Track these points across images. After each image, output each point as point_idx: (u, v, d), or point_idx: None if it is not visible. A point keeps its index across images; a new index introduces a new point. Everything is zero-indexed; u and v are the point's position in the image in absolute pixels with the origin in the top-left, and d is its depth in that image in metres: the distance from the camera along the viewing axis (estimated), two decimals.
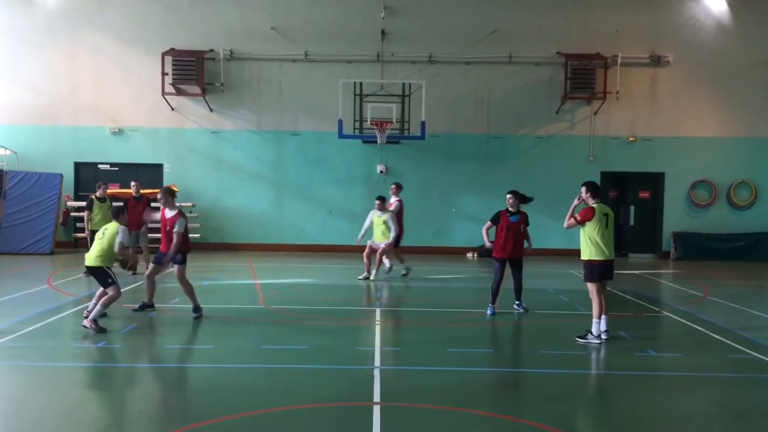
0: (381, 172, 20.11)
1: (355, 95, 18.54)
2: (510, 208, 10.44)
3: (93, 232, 13.79)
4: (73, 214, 19.54)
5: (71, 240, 19.82)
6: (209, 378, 7.07)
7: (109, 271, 8.99)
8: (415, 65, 19.97)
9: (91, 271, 9.10)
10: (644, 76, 20.22)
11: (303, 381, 6.96)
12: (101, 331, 8.63)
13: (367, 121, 18.14)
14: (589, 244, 8.58)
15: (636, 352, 8.37)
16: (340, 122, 18.11)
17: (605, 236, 8.58)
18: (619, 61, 19.83)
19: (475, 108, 20.25)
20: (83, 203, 19.07)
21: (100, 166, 20.20)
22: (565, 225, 8.74)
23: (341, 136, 18.31)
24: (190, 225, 19.28)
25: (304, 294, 12.44)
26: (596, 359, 8.14)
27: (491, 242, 10.57)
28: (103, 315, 9.08)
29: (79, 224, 19.65)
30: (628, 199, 20.88)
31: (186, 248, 9.96)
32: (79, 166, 20.19)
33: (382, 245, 14.08)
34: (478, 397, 6.57)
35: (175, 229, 9.64)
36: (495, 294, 10.45)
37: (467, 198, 20.42)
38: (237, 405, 6.16)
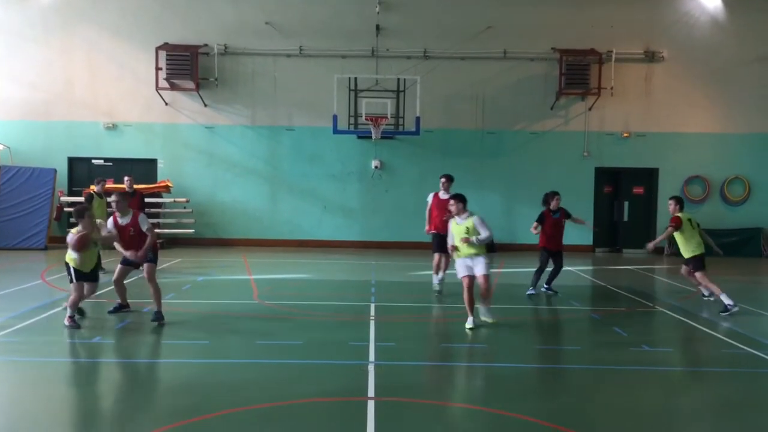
0: (376, 167, 20.12)
1: (349, 90, 18.52)
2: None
3: None
4: (66, 209, 19.46)
5: (65, 235, 19.69)
6: (204, 373, 7.07)
7: (70, 270, 8.87)
8: (410, 60, 19.96)
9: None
10: (639, 72, 20.27)
11: (297, 376, 6.97)
12: (75, 327, 8.68)
13: (361, 116, 18.13)
14: (690, 243, 11.18)
15: (630, 347, 8.40)
16: (335, 117, 18.09)
17: (696, 236, 11.24)
18: (614, 57, 19.87)
19: (469, 103, 20.26)
20: (77, 198, 19.10)
21: (93, 161, 20.15)
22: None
23: (336, 131, 18.30)
24: (185, 220, 19.49)
25: (298, 289, 12.43)
26: (590, 354, 8.17)
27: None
28: (81, 313, 9.16)
29: (73, 220, 19.59)
30: (622, 195, 20.93)
31: (156, 247, 9.66)
32: (72, 162, 20.13)
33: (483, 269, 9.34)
34: (473, 392, 6.58)
35: (145, 228, 9.26)
36: (537, 279, 11.94)
37: (462, 193, 20.36)
38: (232, 400, 6.16)
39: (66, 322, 8.71)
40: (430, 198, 11.83)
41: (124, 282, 9.73)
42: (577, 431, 5.47)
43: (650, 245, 12.07)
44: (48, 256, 16.70)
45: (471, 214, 9.23)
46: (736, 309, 10.40)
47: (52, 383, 6.65)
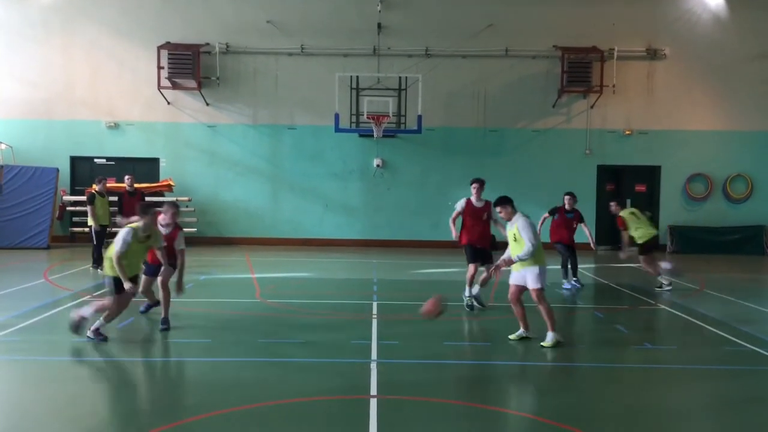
0: (377, 166, 20.11)
1: (351, 89, 18.51)
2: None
3: (101, 227, 13.90)
4: (69, 208, 19.50)
5: (67, 234, 19.78)
6: (206, 372, 7.08)
7: (113, 282, 8.03)
8: (411, 59, 19.93)
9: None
10: (641, 70, 20.23)
11: (300, 374, 6.98)
12: (103, 339, 7.97)
13: (363, 114, 18.11)
14: (637, 233, 12.38)
15: (632, 345, 8.40)
16: (337, 116, 18.09)
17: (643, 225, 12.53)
18: (616, 54, 19.83)
19: (471, 101, 20.24)
20: (79, 197, 19.12)
21: (96, 160, 20.16)
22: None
23: (338, 129, 18.29)
24: (187, 219, 19.50)
25: (300, 288, 12.44)
26: (593, 352, 8.16)
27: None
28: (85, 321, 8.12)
29: (75, 219, 19.65)
30: (624, 193, 20.86)
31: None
32: (74, 161, 20.14)
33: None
34: (475, 390, 6.58)
35: (180, 247, 8.90)
36: (566, 272, 12.60)
37: (464, 192, 20.08)
38: (234, 398, 6.17)
39: (91, 334, 7.94)
40: (460, 205, 10.31)
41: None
42: (580, 429, 5.47)
43: (623, 255, 12.87)
44: (50, 256, 16.72)
45: (517, 215, 8.15)
46: (668, 288, 12.16)
47: (54, 382, 6.66)
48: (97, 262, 13.70)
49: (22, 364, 7.27)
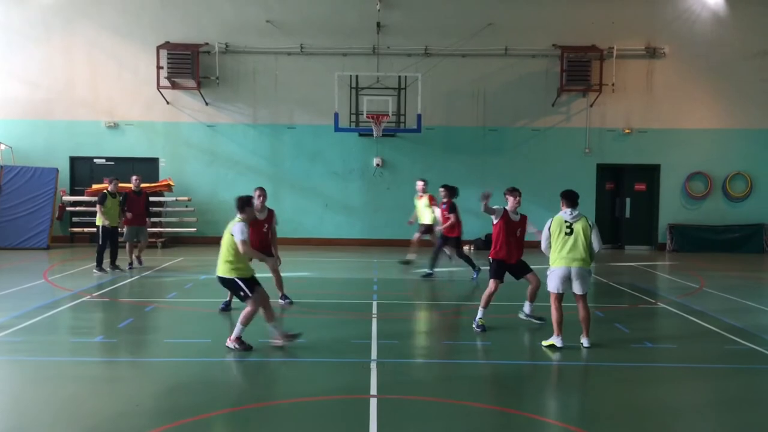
0: (377, 165, 20.12)
1: (351, 88, 18.51)
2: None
3: (109, 228, 13.74)
4: (69, 208, 19.51)
5: (67, 234, 19.78)
6: (207, 372, 7.08)
7: (240, 283, 7.78)
8: (411, 58, 19.94)
9: (221, 281, 7.99)
10: (640, 68, 20.23)
11: (300, 374, 6.98)
12: (247, 349, 7.71)
13: (363, 114, 18.11)
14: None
15: (632, 343, 8.41)
16: (336, 115, 18.09)
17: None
18: (615, 53, 19.84)
19: (471, 100, 20.24)
20: (79, 198, 19.15)
21: (95, 160, 20.16)
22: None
23: (337, 129, 18.29)
24: (187, 219, 19.51)
25: (300, 287, 12.43)
26: (592, 351, 8.16)
27: None
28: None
29: (75, 219, 19.65)
30: (624, 191, 20.91)
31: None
32: (74, 161, 20.14)
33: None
34: (475, 390, 6.59)
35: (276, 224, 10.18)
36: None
37: (463, 191, 20.19)
38: (234, 398, 6.18)
39: (232, 344, 7.70)
40: (497, 219, 9.13)
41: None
42: (580, 428, 5.48)
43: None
44: (50, 256, 16.73)
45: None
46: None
47: (54, 382, 6.66)
48: (100, 263, 13.74)
49: (22, 365, 7.28)
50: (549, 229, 7.94)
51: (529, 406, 6.07)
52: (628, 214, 20.86)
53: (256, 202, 9.27)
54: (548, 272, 8.00)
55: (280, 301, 10.46)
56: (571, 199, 7.94)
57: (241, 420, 5.65)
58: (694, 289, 12.79)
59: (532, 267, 9.22)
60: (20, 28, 19.75)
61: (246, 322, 7.74)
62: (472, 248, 19.81)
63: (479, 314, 8.92)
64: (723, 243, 19.91)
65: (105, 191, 14.05)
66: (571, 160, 20.16)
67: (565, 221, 7.85)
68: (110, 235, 13.81)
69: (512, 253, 8.93)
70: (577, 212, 7.89)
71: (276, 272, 10.23)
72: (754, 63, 20.05)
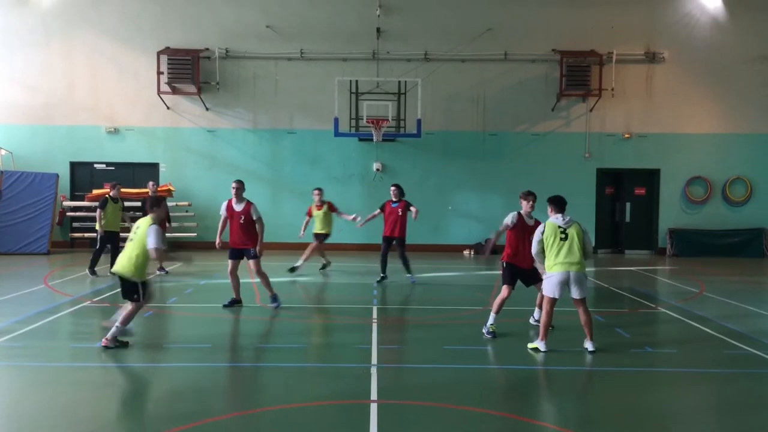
0: (377, 170, 20.13)
1: (350, 93, 18.54)
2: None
3: (107, 233, 13.70)
4: (69, 213, 19.52)
5: (67, 240, 19.78)
6: (206, 377, 7.07)
7: (140, 286, 7.88)
8: (410, 63, 19.98)
9: (121, 279, 8.01)
10: (639, 73, 20.27)
11: (300, 379, 6.97)
12: (122, 346, 7.92)
13: (363, 119, 18.15)
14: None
15: (632, 348, 8.40)
16: (336, 120, 18.12)
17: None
18: (615, 58, 19.88)
19: (470, 105, 20.28)
20: (79, 203, 19.17)
21: (95, 165, 20.18)
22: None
23: (337, 134, 18.32)
24: (187, 224, 19.50)
25: (301, 292, 12.44)
26: (593, 356, 8.15)
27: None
28: (124, 333, 8.00)
29: (75, 224, 19.66)
30: (624, 196, 20.93)
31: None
32: (74, 166, 20.16)
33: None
34: (475, 395, 6.58)
35: (255, 217, 10.22)
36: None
37: (463, 195, 20.46)
38: (234, 404, 6.17)
39: (111, 343, 7.84)
40: (510, 220, 8.91)
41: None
42: None
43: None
44: (51, 261, 16.73)
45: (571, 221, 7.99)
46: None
47: (54, 388, 6.65)
48: (93, 266, 13.75)
49: (22, 370, 7.27)
50: (542, 234, 7.95)
51: (529, 411, 6.06)
52: (628, 218, 20.88)
53: (232, 192, 10.28)
54: (545, 277, 8.00)
55: (270, 304, 10.42)
56: (559, 204, 8.00)
57: (241, 425, 5.64)
58: (695, 293, 12.78)
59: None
60: (20, 32, 19.79)
61: (126, 323, 7.90)
62: (471, 253, 19.84)
63: (491, 320, 8.83)
64: (723, 247, 19.91)
65: (107, 196, 14.04)
66: (570, 164, 20.17)
67: (559, 227, 7.87)
68: (109, 240, 13.79)
69: (526, 257, 8.75)
70: (568, 217, 7.94)
71: (261, 275, 10.42)
72: (754, 67, 20.09)
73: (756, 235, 20.08)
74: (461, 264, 17.73)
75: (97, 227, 13.76)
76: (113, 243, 13.85)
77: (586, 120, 20.36)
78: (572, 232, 7.84)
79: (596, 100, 20.01)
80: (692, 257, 19.35)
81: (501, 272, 9.02)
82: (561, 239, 7.81)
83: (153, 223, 7.81)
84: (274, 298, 10.49)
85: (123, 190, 18.77)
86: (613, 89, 19.97)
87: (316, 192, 14.82)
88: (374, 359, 7.62)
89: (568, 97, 20.17)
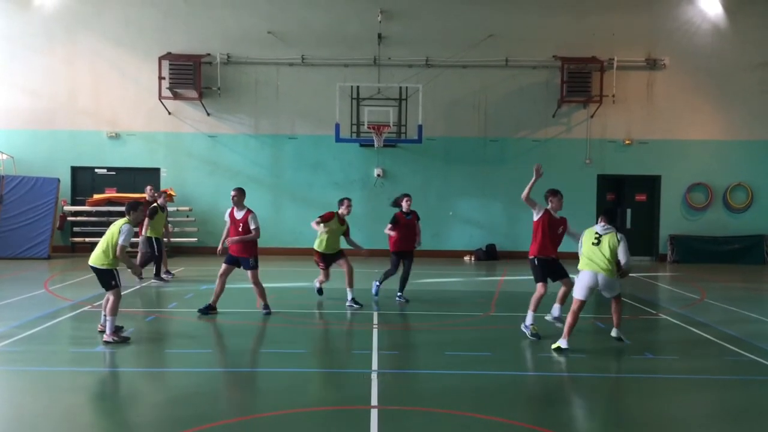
0: (378, 175, 20.14)
1: (352, 99, 18.57)
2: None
3: (156, 239, 14.04)
4: (70, 218, 19.53)
5: (68, 244, 19.79)
6: (207, 382, 7.07)
7: (115, 272, 8.47)
8: (412, 69, 20.00)
9: (95, 271, 8.54)
10: (640, 80, 20.29)
11: (301, 384, 6.97)
12: (124, 340, 8.46)
13: (364, 124, 18.16)
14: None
15: (633, 354, 8.39)
16: (337, 126, 18.13)
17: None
18: (616, 64, 19.89)
19: (472, 111, 20.29)
20: (80, 207, 19.23)
21: (97, 170, 20.19)
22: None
23: (338, 139, 18.34)
24: (188, 229, 19.51)
25: (301, 298, 12.43)
26: (594, 362, 8.15)
27: None
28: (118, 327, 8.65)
29: (76, 229, 19.67)
30: (625, 202, 20.92)
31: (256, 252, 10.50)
32: (76, 171, 20.17)
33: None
34: (476, 401, 6.57)
35: (253, 227, 10.30)
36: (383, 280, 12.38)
37: (464, 201, 20.46)
38: (234, 409, 6.16)
39: (110, 338, 8.38)
40: (538, 215, 9.09)
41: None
42: None
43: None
44: (51, 266, 16.72)
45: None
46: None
47: (54, 392, 6.65)
48: (158, 272, 14.15)
49: (22, 375, 7.26)
50: (582, 235, 8.71)
51: (529, 417, 6.05)
52: (628, 224, 20.86)
53: (232, 200, 10.48)
54: (578, 276, 8.51)
55: (261, 310, 10.49)
56: (605, 214, 8.70)
57: (241, 431, 5.63)
58: (695, 300, 12.77)
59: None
60: (22, 37, 19.82)
61: (115, 312, 8.38)
62: (472, 259, 19.82)
63: (529, 319, 9.16)
64: (724, 254, 19.88)
65: (156, 205, 14.26)
66: (571, 170, 20.17)
67: (596, 232, 8.51)
68: (160, 245, 14.15)
69: (551, 248, 9.12)
70: (609, 227, 8.48)
71: (257, 285, 10.43)
72: (755, 74, 20.10)
73: (757, 242, 20.06)
74: (462, 270, 17.72)
75: (149, 234, 13.98)
76: (160, 248, 14.19)
77: (587, 126, 20.37)
78: (606, 239, 8.41)
79: (597, 107, 20.02)
80: (693, 263, 19.33)
81: (532, 270, 9.25)
82: (593, 243, 8.45)
83: (128, 223, 8.40)
84: (266, 307, 10.51)
85: (122, 195, 19.00)
86: (614, 95, 19.98)
87: (348, 203, 12.40)
88: (375, 365, 7.62)
89: (569, 103, 20.19)
